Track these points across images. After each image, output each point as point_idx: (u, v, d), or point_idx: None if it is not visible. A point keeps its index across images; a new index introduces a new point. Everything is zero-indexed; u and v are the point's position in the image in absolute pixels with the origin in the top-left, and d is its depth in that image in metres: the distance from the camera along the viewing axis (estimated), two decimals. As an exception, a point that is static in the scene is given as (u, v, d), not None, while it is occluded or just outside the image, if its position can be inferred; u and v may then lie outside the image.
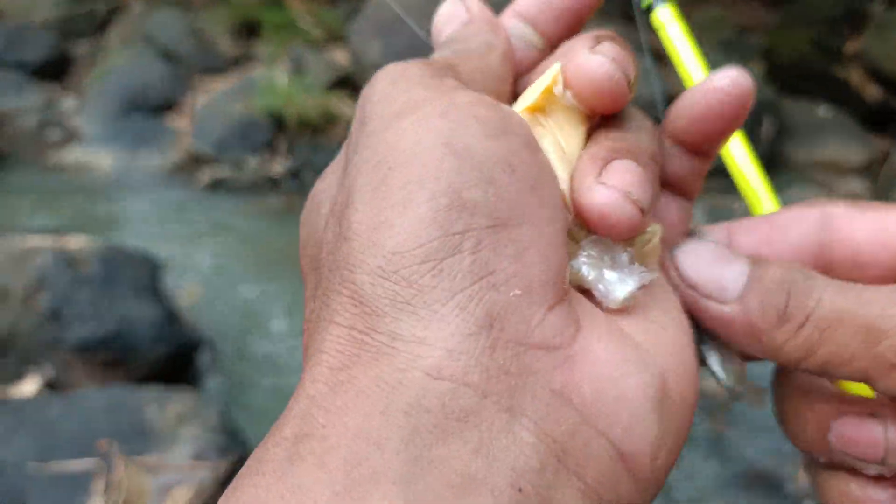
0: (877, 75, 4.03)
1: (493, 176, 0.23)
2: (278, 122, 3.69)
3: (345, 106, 3.81)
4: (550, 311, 0.23)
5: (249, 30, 4.44)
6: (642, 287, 0.26)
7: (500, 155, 0.24)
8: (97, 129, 3.84)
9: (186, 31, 4.36)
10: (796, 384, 0.30)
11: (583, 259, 0.26)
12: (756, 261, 0.28)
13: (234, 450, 1.81)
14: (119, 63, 4.13)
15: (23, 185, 3.49)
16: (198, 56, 4.22)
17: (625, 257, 0.26)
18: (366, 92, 0.27)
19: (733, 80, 0.29)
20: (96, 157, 3.68)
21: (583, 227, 0.26)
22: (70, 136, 3.87)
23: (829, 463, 0.29)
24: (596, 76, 0.27)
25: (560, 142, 0.28)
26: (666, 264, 0.29)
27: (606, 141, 0.28)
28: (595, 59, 0.27)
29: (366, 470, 0.20)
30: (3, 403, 1.89)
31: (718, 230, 0.31)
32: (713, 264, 0.28)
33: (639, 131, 0.29)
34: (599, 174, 0.26)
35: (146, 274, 2.26)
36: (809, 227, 0.30)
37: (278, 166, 3.58)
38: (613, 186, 0.25)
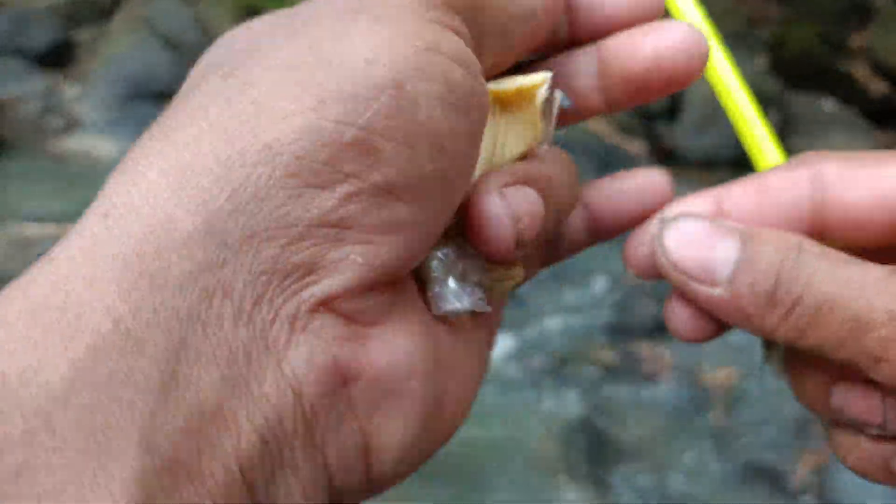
0: (882, 70, 4.02)
1: (418, 144, 0.21)
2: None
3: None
4: (379, 295, 0.22)
5: (252, 18, 4.44)
6: (472, 312, 0.25)
7: (441, 129, 0.22)
8: (99, 117, 3.84)
9: (190, 19, 4.36)
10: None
11: (440, 255, 0.25)
12: (747, 237, 0.27)
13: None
14: (122, 51, 4.13)
15: (24, 173, 3.49)
16: (201, 45, 4.17)
17: (475, 278, 0.25)
18: None
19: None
20: (98, 145, 3.68)
21: (458, 230, 0.25)
22: (72, 124, 3.87)
23: (835, 422, 0.29)
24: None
25: (498, 143, 0.27)
26: (654, 244, 0.28)
27: (530, 166, 0.27)
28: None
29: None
30: None
31: (705, 198, 0.30)
32: (701, 244, 0.27)
33: (558, 170, 0.28)
34: (503, 188, 0.25)
35: None
36: (802, 189, 0.29)
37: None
38: (508, 205, 0.24)
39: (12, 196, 3.26)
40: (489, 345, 0.28)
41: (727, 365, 2.13)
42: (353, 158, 0.20)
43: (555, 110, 0.28)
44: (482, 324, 0.27)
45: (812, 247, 0.27)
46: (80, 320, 0.18)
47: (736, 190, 0.30)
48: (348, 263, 0.21)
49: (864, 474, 0.29)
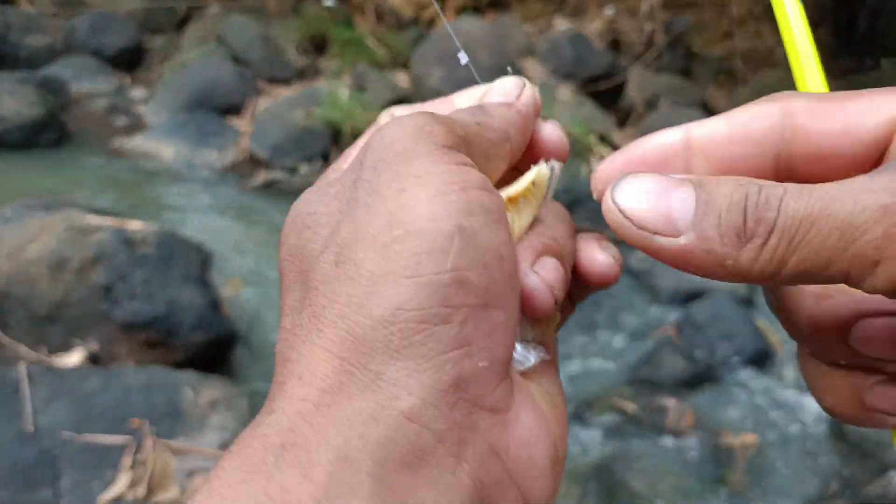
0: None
1: (488, 262, 0.27)
2: (335, 134, 3.76)
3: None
4: (501, 382, 0.27)
5: (317, 44, 4.56)
6: (539, 362, 0.31)
7: (495, 245, 0.28)
8: (162, 121, 3.93)
9: (258, 37, 4.47)
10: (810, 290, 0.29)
11: None
12: (700, 182, 0.26)
13: (258, 444, 1.84)
14: (191, 61, 4.25)
15: (86, 165, 3.59)
16: (266, 63, 4.32)
17: (529, 335, 0.32)
18: (382, 137, 0.29)
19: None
20: (158, 147, 3.76)
21: None
22: (136, 124, 3.98)
23: (847, 364, 0.29)
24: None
25: (515, 224, 0.33)
26: (608, 208, 0.28)
27: (542, 237, 0.33)
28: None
29: (342, 485, 0.24)
30: (47, 371, 1.92)
31: (676, 130, 0.31)
32: (656, 197, 0.26)
33: (562, 228, 0.34)
34: (533, 263, 0.31)
35: (197, 262, 2.29)
36: (772, 120, 0.29)
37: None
38: (543, 278, 0.31)
39: (74, 186, 3.35)
40: (557, 376, 0.33)
41: (752, 431, 2.12)
42: (455, 293, 0.26)
43: (554, 181, 0.35)
44: (548, 365, 0.32)
45: (771, 181, 0.26)
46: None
47: (708, 123, 0.30)
48: (481, 370, 0.27)
49: (840, 413, 0.30)
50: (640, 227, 0.26)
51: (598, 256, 0.34)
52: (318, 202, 0.30)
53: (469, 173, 0.28)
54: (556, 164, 0.35)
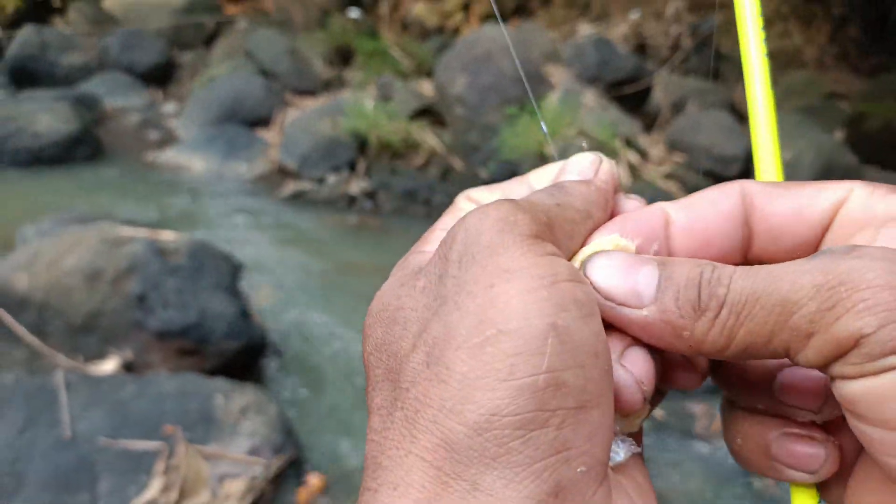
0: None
1: (584, 361, 0.26)
2: (361, 144, 3.79)
3: (425, 134, 3.90)
4: (600, 486, 0.26)
5: (343, 55, 4.60)
6: (631, 455, 0.30)
7: (590, 341, 0.27)
8: (193, 134, 3.99)
9: (285, 51, 4.52)
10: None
11: None
12: (663, 262, 0.29)
13: (287, 450, 1.85)
14: (220, 75, 4.31)
15: (120, 178, 3.65)
16: (293, 75, 4.37)
17: (617, 428, 0.30)
18: (467, 230, 0.28)
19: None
20: (189, 160, 3.82)
21: None
22: (168, 138, 4.05)
23: (764, 409, 0.31)
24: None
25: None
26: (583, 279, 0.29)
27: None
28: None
29: None
30: (84, 379, 1.96)
31: (654, 209, 0.32)
32: (624, 273, 0.29)
33: None
34: (621, 357, 0.30)
35: (228, 272, 2.32)
36: (734, 200, 0.31)
37: (356, 185, 3.67)
38: (631, 373, 0.29)
39: (107, 198, 3.43)
40: (645, 467, 0.32)
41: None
42: (551, 396, 0.25)
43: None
44: (637, 457, 0.31)
45: (724, 264, 0.28)
46: None
47: (682, 201, 0.32)
48: (580, 475, 0.26)
49: (745, 458, 0.32)
50: (608, 299, 0.29)
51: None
52: (405, 296, 0.29)
53: (558, 265, 0.27)
54: (627, 241, 0.32)
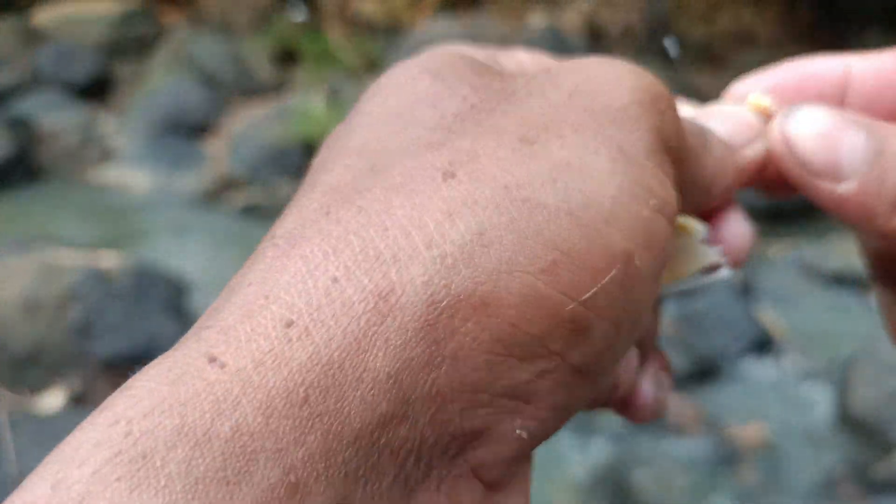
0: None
1: (622, 323, 0.20)
2: (312, 149, 3.72)
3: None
4: (521, 464, 0.21)
5: (289, 57, 4.52)
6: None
7: (642, 307, 0.21)
8: (136, 149, 3.90)
9: (228, 56, 4.44)
10: None
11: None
12: (874, 130, 0.24)
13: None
14: (160, 85, 4.22)
15: (60, 201, 3.55)
16: (237, 81, 4.29)
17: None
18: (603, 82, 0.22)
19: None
20: (133, 177, 3.74)
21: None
22: (109, 155, 3.94)
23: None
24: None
25: None
26: (775, 136, 0.25)
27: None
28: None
29: None
30: (28, 416, 1.89)
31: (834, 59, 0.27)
32: (827, 136, 0.24)
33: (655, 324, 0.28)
34: None
35: (174, 293, 2.27)
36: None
37: (310, 192, 3.60)
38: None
39: (46, 222, 3.31)
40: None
41: (756, 421, 2.07)
42: (562, 336, 0.18)
43: (704, 259, 0.26)
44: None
45: None
46: (250, 465, 0.16)
47: (871, 57, 0.27)
48: (513, 437, 0.19)
49: None
50: (804, 165, 0.24)
51: (648, 389, 0.27)
52: (465, 83, 0.22)
53: (670, 194, 0.21)
54: (716, 251, 0.26)
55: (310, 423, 0.16)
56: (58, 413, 1.92)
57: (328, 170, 0.21)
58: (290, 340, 0.17)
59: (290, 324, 0.17)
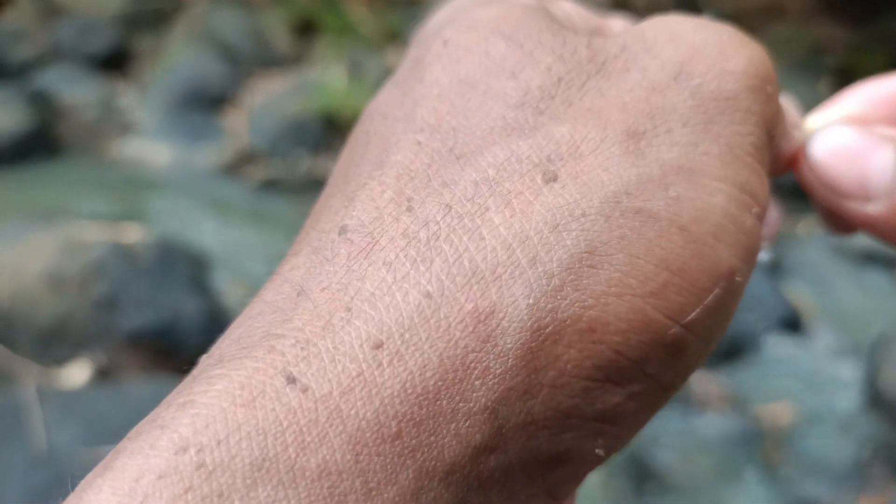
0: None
1: (712, 340, 0.20)
2: (333, 123, 3.70)
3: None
4: (582, 477, 0.20)
5: (308, 30, 4.48)
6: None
7: (725, 322, 0.20)
8: (156, 123, 3.90)
9: (247, 29, 4.43)
10: None
11: None
12: None
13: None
14: (180, 59, 4.21)
15: (81, 175, 3.57)
16: (257, 54, 4.27)
17: None
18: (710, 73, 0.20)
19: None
20: (154, 150, 3.74)
21: None
22: (129, 129, 3.95)
23: None
24: None
25: None
26: (800, 160, 0.24)
27: None
28: None
29: None
30: (57, 391, 1.91)
31: (858, 94, 0.26)
32: (855, 156, 0.23)
33: None
34: None
35: (196, 268, 2.28)
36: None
37: (331, 166, 3.59)
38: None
39: (69, 196, 3.31)
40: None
41: (783, 400, 2.05)
42: (660, 359, 0.18)
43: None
44: None
45: None
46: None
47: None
48: (592, 456, 0.18)
49: None
50: (830, 188, 0.23)
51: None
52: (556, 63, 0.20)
53: (766, 196, 0.20)
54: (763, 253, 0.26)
55: (402, 461, 0.15)
56: (83, 387, 1.95)
57: (395, 146, 0.19)
58: (380, 365, 0.15)
59: (378, 345, 0.15)
